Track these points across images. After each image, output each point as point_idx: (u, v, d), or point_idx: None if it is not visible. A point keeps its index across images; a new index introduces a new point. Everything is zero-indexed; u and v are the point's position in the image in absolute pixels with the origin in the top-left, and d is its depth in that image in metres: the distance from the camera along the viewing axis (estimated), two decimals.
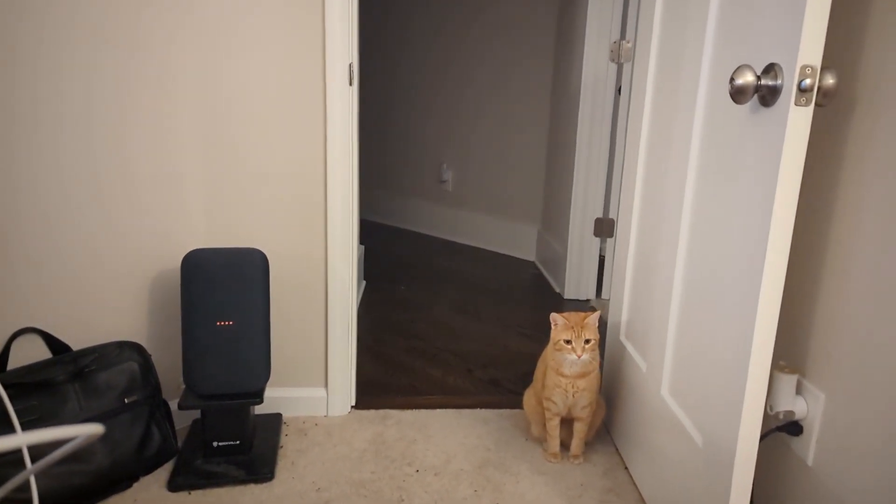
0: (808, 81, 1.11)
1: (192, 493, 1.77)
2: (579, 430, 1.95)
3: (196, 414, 2.06)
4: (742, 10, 1.33)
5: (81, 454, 1.68)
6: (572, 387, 1.88)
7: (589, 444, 2.02)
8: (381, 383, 2.40)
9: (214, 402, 1.83)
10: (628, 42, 3.10)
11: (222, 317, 1.80)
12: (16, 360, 1.71)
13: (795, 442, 1.46)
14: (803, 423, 1.43)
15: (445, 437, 2.08)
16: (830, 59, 1.35)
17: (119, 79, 1.78)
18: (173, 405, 1.96)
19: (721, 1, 1.44)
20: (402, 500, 1.77)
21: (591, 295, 3.44)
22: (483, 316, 3.14)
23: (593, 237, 3.36)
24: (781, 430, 1.46)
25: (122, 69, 1.78)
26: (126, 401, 1.77)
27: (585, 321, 1.85)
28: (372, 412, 2.22)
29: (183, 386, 1.85)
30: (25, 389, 1.64)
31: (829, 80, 1.24)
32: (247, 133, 1.97)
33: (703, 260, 1.48)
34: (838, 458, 1.33)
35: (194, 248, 1.94)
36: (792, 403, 1.43)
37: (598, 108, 3.24)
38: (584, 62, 3.18)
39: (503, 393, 2.36)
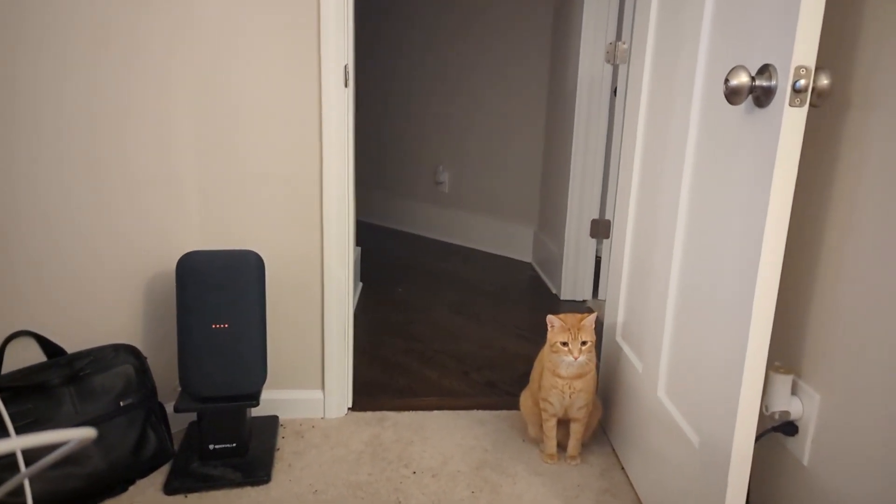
0: (802, 82, 1.11)
1: (189, 496, 1.77)
2: (576, 431, 1.95)
3: (192, 416, 2.05)
4: (737, 11, 1.33)
5: (77, 457, 1.67)
6: (569, 388, 1.88)
7: (586, 445, 2.02)
8: (378, 385, 2.40)
9: (210, 404, 1.82)
10: (624, 43, 3.11)
11: (218, 319, 1.79)
12: (10, 364, 1.71)
13: (791, 442, 1.46)
14: (799, 424, 1.44)
15: (442, 438, 2.07)
16: (824, 60, 1.35)
17: (118, 81, 1.78)
18: (169, 408, 1.95)
19: (716, 2, 1.44)
20: (400, 502, 1.77)
21: (588, 296, 3.44)
22: (480, 317, 3.14)
23: (589, 238, 3.37)
24: (777, 430, 1.47)
25: (121, 71, 1.78)
26: (122, 404, 1.77)
27: (582, 323, 1.85)
28: (369, 414, 2.21)
29: (179, 388, 1.84)
30: (20, 393, 1.64)
31: (824, 81, 1.24)
32: (242, 134, 1.96)
33: (699, 261, 1.48)
34: (834, 457, 1.33)
35: (190, 249, 1.95)
36: (787, 404, 1.43)
37: (594, 109, 3.24)
38: (580, 63, 3.18)
39: (500, 394, 2.36)
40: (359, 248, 3.50)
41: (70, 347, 1.80)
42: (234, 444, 1.88)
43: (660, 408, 1.68)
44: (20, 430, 1.60)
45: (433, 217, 4.61)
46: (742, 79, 1.20)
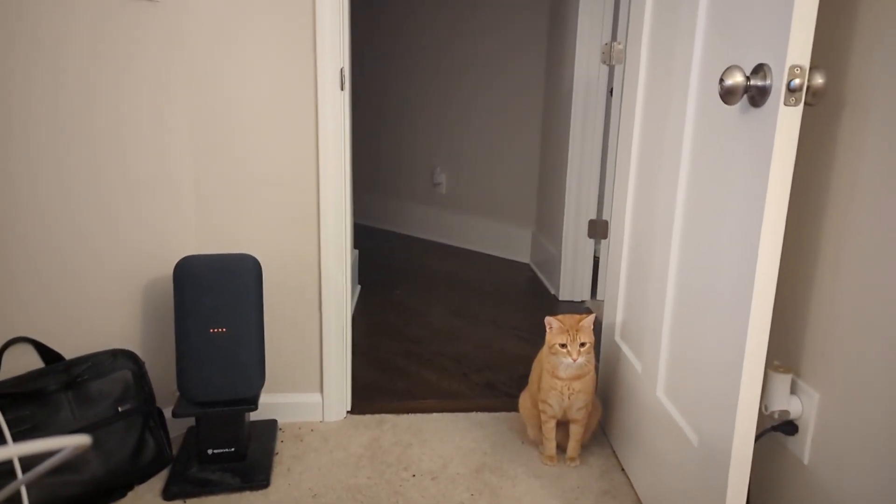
0: (797, 81, 1.11)
1: (188, 501, 1.76)
2: (575, 432, 1.94)
3: (191, 421, 2.05)
4: (731, 10, 1.33)
5: (75, 463, 1.67)
6: (568, 389, 1.88)
7: (585, 447, 2.02)
8: (377, 388, 2.40)
9: (209, 409, 1.82)
10: (619, 44, 3.11)
11: (216, 323, 1.79)
12: (8, 370, 1.70)
13: (791, 441, 1.46)
14: (798, 423, 1.43)
15: (441, 441, 2.07)
16: (819, 59, 1.35)
17: (115, 85, 1.78)
18: (168, 413, 1.95)
19: (710, 2, 1.44)
20: None
21: (586, 296, 3.44)
22: (478, 319, 3.14)
23: (587, 238, 3.37)
24: (777, 429, 1.46)
25: (117, 75, 1.78)
26: (120, 409, 1.77)
27: (580, 324, 1.85)
28: (368, 417, 2.21)
29: (177, 393, 1.84)
30: (17, 399, 1.63)
31: (818, 80, 1.24)
32: (239, 138, 1.96)
33: (697, 260, 1.48)
34: (834, 456, 1.33)
35: (188, 253, 1.94)
36: (787, 403, 1.43)
37: (591, 109, 3.24)
38: (576, 64, 3.18)
39: (499, 396, 2.36)
40: (356, 251, 3.50)
41: (68, 352, 1.79)
42: (233, 449, 1.88)
43: (659, 408, 1.68)
44: (18, 437, 1.59)
45: (431, 219, 4.61)
46: (737, 78, 1.20)
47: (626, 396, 1.95)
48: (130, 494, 1.78)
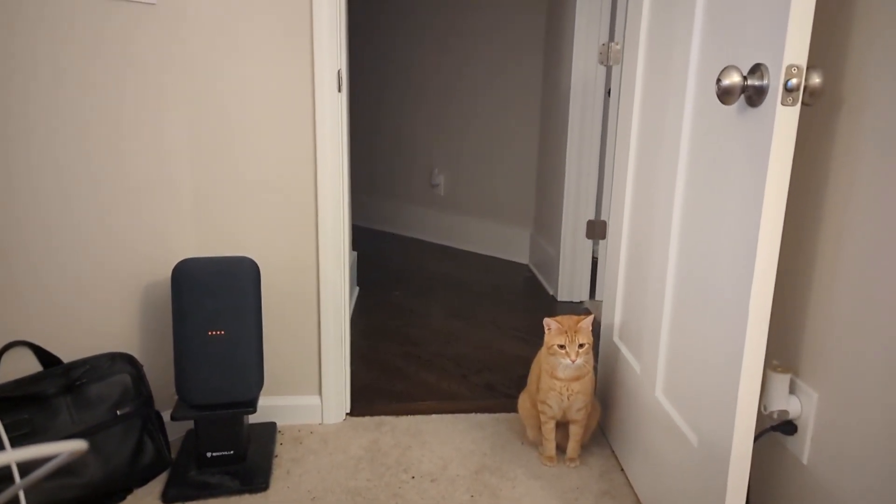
0: (794, 81, 1.11)
1: None
2: (575, 433, 1.94)
3: (189, 425, 2.05)
4: (728, 10, 1.33)
5: (74, 467, 1.67)
6: (567, 390, 1.88)
7: (585, 447, 2.02)
8: (376, 390, 2.40)
9: (207, 412, 1.82)
10: (617, 44, 3.11)
11: (214, 326, 1.79)
12: (6, 374, 1.70)
13: (790, 441, 1.46)
14: (797, 422, 1.43)
15: (441, 442, 2.07)
16: (816, 58, 1.35)
17: (113, 88, 1.78)
18: (166, 416, 1.95)
19: (707, 2, 1.44)
20: None
21: (585, 297, 3.44)
22: (477, 320, 3.14)
23: (586, 239, 3.37)
24: (776, 429, 1.46)
25: (115, 79, 1.78)
26: (118, 413, 1.76)
27: (579, 325, 1.85)
28: (367, 419, 2.21)
29: (176, 396, 1.84)
30: (16, 403, 1.63)
31: (815, 80, 1.24)
32: (237, 140, 1.96)
33: (695, 260, 1.48)
34: (833, 456, 1.33)
35: (186, 256, 1.94)
36: (786, 403, 1.43)
37: (588, 110, 3.24)
38: (574, 65, 3.18)
39: (498, 397, 2.36)
40: (355, 253, 3.50)
41: (66, 355, 1.79)
42: (232, 452, 1.88)
43: (658, 408, 1.68)
44: (16, 441, 1.59)
45: (429, 220, 4.61)
46: (734, 79, 1.20)
47: (625, 397, 1.95)
48: (129, 498, 1.78)
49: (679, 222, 1.58)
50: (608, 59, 3.14)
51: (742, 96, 1.22)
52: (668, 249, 1.62)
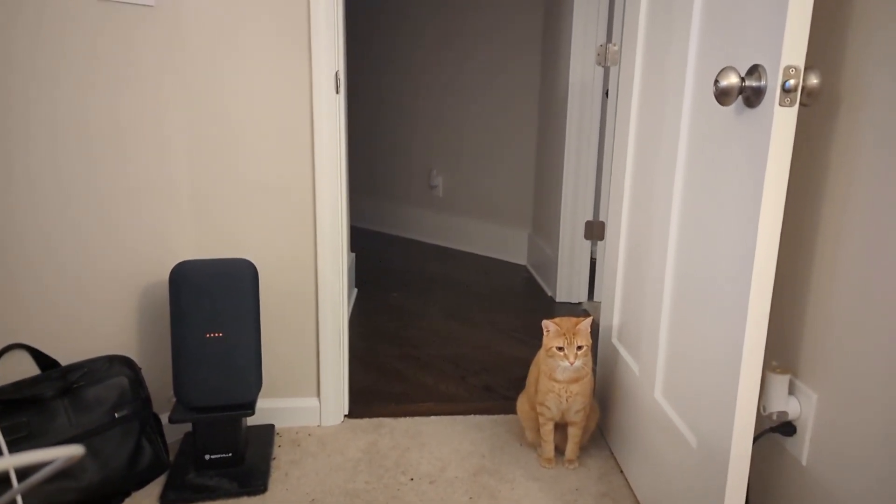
0: (791, 82, 1.11)
1: None
2: (573, 434, 1.94)
3: (188, 427, 2.05)
4: (725, 11, 1.33)
5: (72, 471, 1.66)
6: (566, 392, 1.87)
7: (584, 449, 2.02)
8: (375, 391, 2.40)
9: (205, 414, 1.82)
10: (615, 45, 3.11)
11: (212, 328, 1.79)
12: (3, 377, 1.70)
13: (789, 442, 1.46)
14: (797, 424, 1.43)
15: (439, 444, 2.07)
16: (813, 59, 1.35)
17: (111, 91, 1.78)
18: (164, 418, 1.95)
19: (705, 3, 1.44)
20: None
21: (583, 298, 3.44)
22: (475, 321, 3.14)
23: (584, 240, 3.36)
24: (775, 430, 1.46)
25: (116, 80, 1.78)
26: (116, 415, 1.76)
27: (577, 327, 1.84)
28: (365, 421, 2.21)
29: (174, 399, 1.83)
30: (14, 406, 1.63)
31: (813, 80, 1.24)
32: (235, 142, 1.96)
33: (693, 261, 1.48)
34: (832, 457, 1.33)
35: (184, 258, 1.94)
36: (785, 404, 1.43)
37: (586, 111, 3.24)
38: (571, 66, 3.18)
39: (497, 399, 2.35)
40: (353, 254, 3.49)
41: (64, 357, 1.79)
42: (230, 454, 1.87)
43: (657, 409, 1.68)
44: (14, 444, 1.59)
45: (427, 221, 4.61)
46: (732, 79, 1.20)
47: (623, 398, 1.95)
48: (127, 501, 1.77)
49: (677, 223, 1.58)
50: (606, 61, 3.14)
51: (740, 97, 1.22)
52: (667, 251, 1.62)
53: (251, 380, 1.83)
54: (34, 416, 1.64)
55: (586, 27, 3.15)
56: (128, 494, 1.79)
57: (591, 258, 3.45)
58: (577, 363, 1.83)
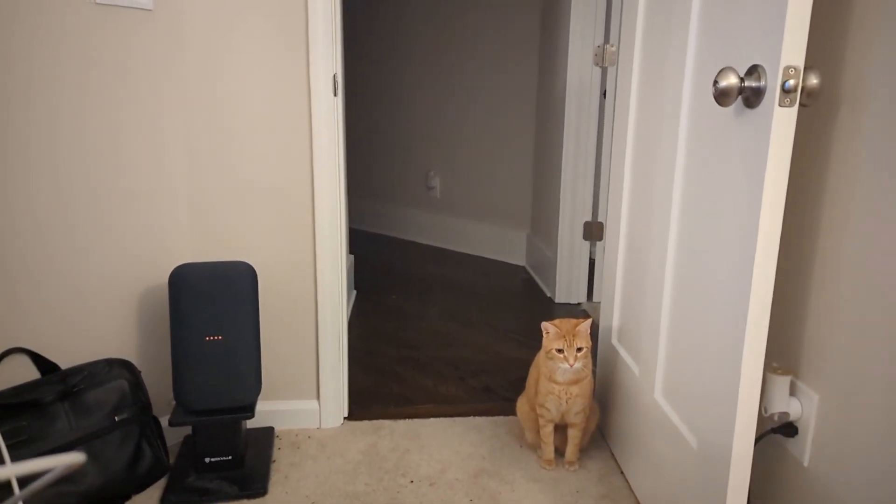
0: (791, 82, 1.11)
1: None
2: (574, 436, 1.94)
3: (188, 430, 2.04)
4: (724, 11, 1.33)
5: (72, 475, 1.66)
6: (565, 393, 1.87)
7: (584, 450, 2.02)
8: (374, 393, 2.39)
9: (205, 417, 1.81)
10: (612, 46, 3.11)
11: (211, 331, 1.78)
12: (4, 381, 1.69)
13: (791, 443, 1.46)
14: (798, 424, 1.43)
15: (439, 446, 2.07)
16: (813, 59, 1.35)
17: (109, 94, 1.77)
18: (164, 422, 1.94)
19: (703, 3, 1.44)
20: None
21: (583, 298, 3.44)
22: (474, 322, 3.14)
23: (583, 241, 3.36)
24: (776, 431, 1.46)
25: (114, 84, 1.77)
26: (116, 419, 1.76)
27: (577, 329, 1.84)
28: (365, 423, 2.20)
29: (174, 402, 1.83)
30: (14, 410, 1.62)
31: (813, 80, 1.24)
32: (233, 145, 1.96)
33: (693, 262, 1.48)
34: (834, 457, 1.33)
35: (183, 261, 1.94)
36: (786, 405, 1.43)
37: (584, 111, 3.24)
38: (569, 66, 3.18)
39: (496, 400, 2.35)
40: (352, 256, 3.49)
41: (64, 362, 1.79)
42: (230, 457, 1.87)
43: (657, 411, 1.68)
44: (14, 448, 1.58)
45: (425, 222, 4.61)
46: (731, 80, 1.20)
47: (624, 399, 1.94)
48: None
49: (677, 224, 1.57)
50: (603, 61, 3.14)
51: (739, 98, 1.22)
52: (667, 252, 1.62)
53: (251, 382, 1.83)
54: (34, 419, 1.64)
55: (584, 28, 3.15)
56: (128, 498, 1.78)
57: (590, 259, 3.45)
58: (577, 365, 1.83)
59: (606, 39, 3.17)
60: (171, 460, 1.94)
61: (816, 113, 1.37)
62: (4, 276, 1.69)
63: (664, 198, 1.63)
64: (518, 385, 2.35)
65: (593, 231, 3.35)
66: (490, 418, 2.24)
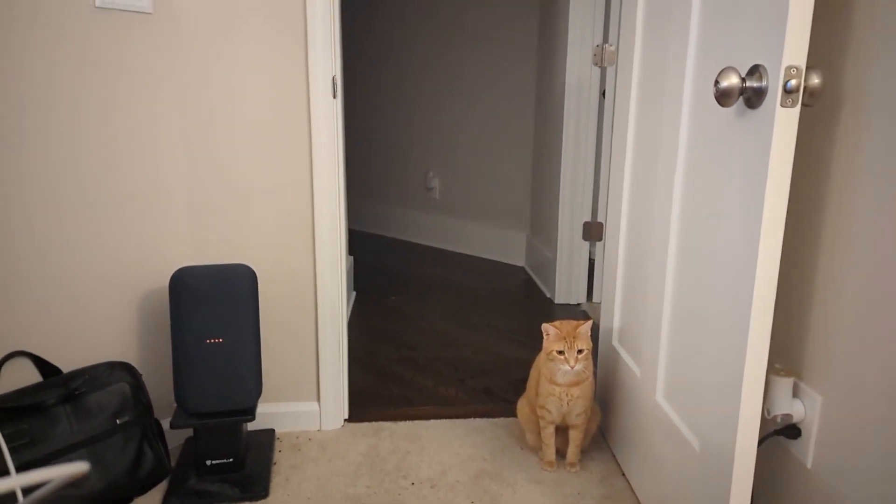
0: (793, 82, 1.10)
1: None
2: (575, 437, 1.94)
3: (189, 432, 2.04)
4: (724, 11, 1.33)
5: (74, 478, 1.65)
6: (566, 395, 1.87)
7: (585, 452, 2.01)
8: (374, 395, 2.39)
9: (206, 420, 1.81)
10: (611, 45, 3.11)
11: (212, 334, 1.78)
12: (6, 385, 1.69)
13: (794, 445, 1.46)
14: (801, 426, 1.43)
15: (440, 448, 2.06)
16: (815, 59, 1.35)
17: (109, 96, 1.77)
18: (165, 424, 1.94)
19: (704, 3, 1.44)
20: None
21: (582, 299, 3.43)
22: (474, 323, 3.13)
23: (582, 241, 3.36)
24: (779, 433, 1.46)
25: (113, 87, 1.77)
26: (118, 422, 1.75)
27: (578, 331, 1.84)
28: (365, 425, 2.20)
29: (175, 405, 1.83)
30: (16, 413, 1.62)
31: (815, 80, 1.23)
32: (232, 148, 1.95)
33: (695, 263, 1.47)
34: (838, 459, 1.32)
35: (182, 265, 1.93)
36: (789, 407, 1.43)
37: (583, 111, 3.24)
38: (568, 66, 3.18)
39: (496, 401, 2.35)
40: (351, 258, 3.49)
41: (65, 366, 1.78)
42: (231, 460, 1.86)
43: (659, 412, 1.67)
44: (16, 451, 1.58)
45: (425, 223, 4.61)
46: (732, 80, 1.19)
47: (625, 401, 1.94)
48: None
49: (678, 225, 1.57)
50: (602, 61, 3.14)
51: (741, 98, 1.22)
52: (667, 253, 1.61)
53: (251, 385, 1.82)
54: (36, 423, 1.64)
55: (582, 27, 3.15)
56: (130, 500, 1.78)
57: (590, 259, 3.45)
58: (578, 367, 1.83)
59: (605, 39, 3.17)
60: (173, 463, 1.94)
61: (818, 113, 1.37)
62: (6, 281, 1.68)
63: (665, 198, 1.63)
64: (518, 386, 2.35)
65: (593, 231, 3.35)
66: (490, 420, 2.24)
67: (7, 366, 1.70)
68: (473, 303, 3.43)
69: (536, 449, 2.03)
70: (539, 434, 1.97)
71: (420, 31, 4.34)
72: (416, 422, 2.22)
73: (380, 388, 2.44)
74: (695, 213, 1.47)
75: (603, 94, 3.28)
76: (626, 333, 1.96)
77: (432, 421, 2.23)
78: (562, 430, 1.96)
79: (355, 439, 2.11)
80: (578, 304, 3.43)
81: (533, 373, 2.02)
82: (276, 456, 2.01)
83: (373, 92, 4.67)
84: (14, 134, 1.64)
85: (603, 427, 2.12)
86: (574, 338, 1.83)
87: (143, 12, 1.79)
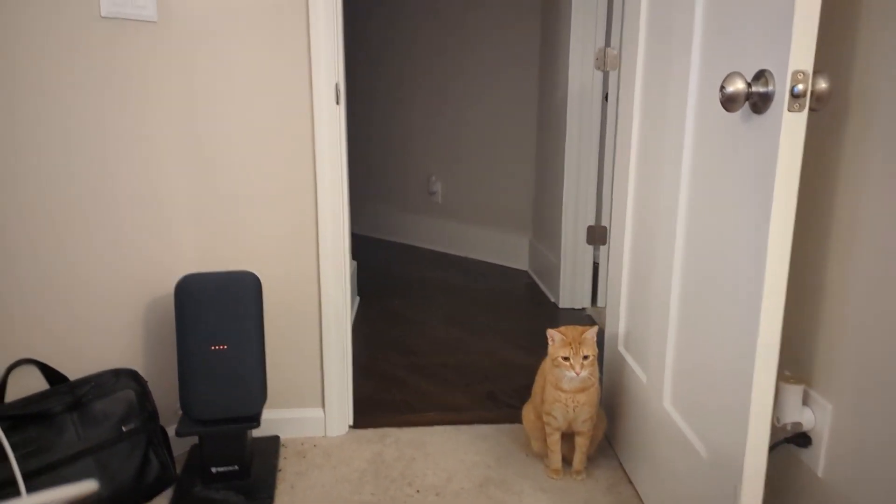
0: (800, 87, 1.10)
1: None
2: (581, 444, 1.92)
3: (194, 439, 2.03)
4: (729, 15, 1.32)
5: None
6: (572, 401, 1.86)
7: (591, 459, 2.00)
8: (378, 401, 2.38)
9: (211, 427, 1.80)
10: (614, 49, 3.10)
11: (216, 341, 1.77)
12: (13, 392, 1.69)
13: (804, 453, 1.44)
14: (811, 434, 1.41)
15: (445, 454, 2.05)
16: (822, 63, 1.34)
17: (102, 104, 1.77)
18: (171, 431, 1.93)
19: (707, 7, 1.43)
20: None
21: (587, 303, 3.43)
22: (478, 328, 3.12)
23: (586, 245, 3.36)
24: (789, 441, 1.44)
25: (104, 92, 1.77)
26: (124, 429, 1.75)
27: (583, 336, 1.83)
28: (370, 431, 2.19)
29: (180, 412, 1.82)
30: (23, 421, 1.62)
31: (822, 85, 1.22)
32: (235, 155, 1.95)
33: (702, 269, 1.47)
34: (849, 468, 1.31)
35: (188, 272, 1.93)
36: (799, 414, 1.41)
37: (586, 115, 3.24)
38: (570, 70, 3.18)
39: (501, 407, 2.34)
40: (354, 262, 3.48)
41: (71, 373, 1.78)
42: (237, 467, 1.86)
43: (666, 419, 1.66)
44: (23, 459, 1.58)
45: (427, 227, 4.60)
46: (738, 85, 1.19)
47: (631, 407, 1.93)
48: None
49: (684, 230, 1.56)
50: (605, 65, 3.13)
51: (747, 103, 1.21)
52: (673, 257, 1.61)
53: (256, 392, 1.82)
54: (43, 430, 1.64)
55: (585, 31, 3.15)
56: None
57: (594, 263, 3.44)
58: (584, 373, 1.82)
59: (607, 43, 3.17)
60: (178, 470, 1.93)
61: (826, 118, 1.36)
62: (10, 289, 1.68)
63: (670, 203, 1.62)
64: (523, 392, 2.34)
65: (596, 235, 3.34)
66: (495, 426, 2.23)
67: (14, 374, 1.69)
68: (477, 307, 3.43)
69: (542, 456, 2.02)
70: (544, 441, 1.96)
71: (422, 34, 4.34)
72: (421, 428, 2.22)
73: (384, 394, 2.44)
74: (701, 219, 1.47)
75: (606, 97, 3.27)
76: (632, 339, 1.95)
77: (437, 427, 2.22)
78: (567, 437, 1.95)
79: (360, 446, 2.10)
80: (583, 309, 3.42)
81: (538, 379, 2.01)
82: (281, 463, 2.01)
83: (375, 95, 4.67)
84: (14, 143, 1.64)
85: (609, 434, 2.11)
86: (580, 343, 1.82)
87: (147, 21, 1.79)
